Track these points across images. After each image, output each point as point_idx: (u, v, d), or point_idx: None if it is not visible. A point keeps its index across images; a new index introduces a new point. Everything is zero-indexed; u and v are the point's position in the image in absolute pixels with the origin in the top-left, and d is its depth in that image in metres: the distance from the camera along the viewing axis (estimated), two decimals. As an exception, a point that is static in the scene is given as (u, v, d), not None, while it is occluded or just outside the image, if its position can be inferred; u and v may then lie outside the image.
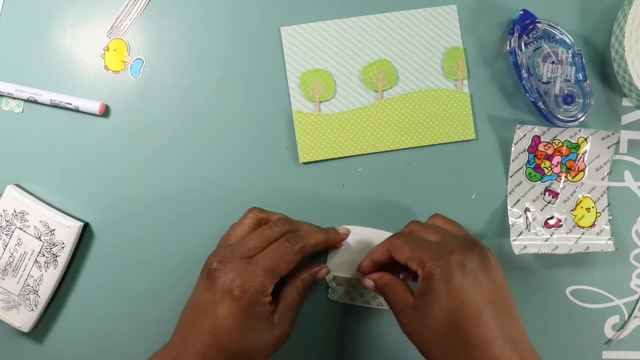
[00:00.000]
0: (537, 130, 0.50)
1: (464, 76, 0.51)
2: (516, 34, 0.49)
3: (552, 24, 0.49)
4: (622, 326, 0.53)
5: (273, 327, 0.43)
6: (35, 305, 0.50)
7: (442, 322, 0.39)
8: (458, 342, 0.39)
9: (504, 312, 0.39)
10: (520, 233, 0.51)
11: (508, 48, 0.49)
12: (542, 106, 0.49)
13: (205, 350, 0.41)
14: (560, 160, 0.51)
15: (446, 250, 0.41)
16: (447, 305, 0.39)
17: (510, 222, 0.51)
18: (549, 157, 0.51)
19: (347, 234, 0.50)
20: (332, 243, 0.49)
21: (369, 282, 0.47)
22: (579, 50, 0.49)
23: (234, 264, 0.42)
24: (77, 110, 0.50)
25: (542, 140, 0.51)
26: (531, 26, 0.49)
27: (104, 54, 0.50)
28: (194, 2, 0.50)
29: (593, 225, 0.52)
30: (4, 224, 0.49)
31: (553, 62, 0.49)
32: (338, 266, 0.50)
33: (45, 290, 0.49)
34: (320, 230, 0.49)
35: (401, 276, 0.47)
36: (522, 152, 0.51)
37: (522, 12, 0.49)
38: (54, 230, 0.49)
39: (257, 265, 0.42)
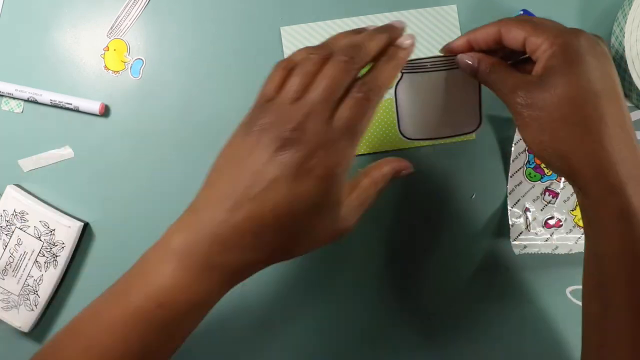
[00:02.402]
0: (537, 130, 0.50)
1: (464, 76, 0.51)
2: (516, 34, 0.49)
3: (552, 24, 0.49)
4: (622, 326, 0.53)
5: (337, 220, 0.36)
6: (35, 305, 0.50)
7: (563, 106, 0.35)
8: (582, 122, 0.35)
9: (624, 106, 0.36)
10: (520, 233, 0.51)
11: (508, 48, 0.49)
12: (542, 106, 0.49)
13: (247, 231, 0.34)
14: (560, 160, 0.51)
15: (574, 33, 0.36)
16: (571, 92, 0.35)
17: (510, 222, 0.51)
18: (549, 157, 0.51)
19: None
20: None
21: (467, 59, 0.40)
22: (579, 50, 0.49)
23: (311, 132, 0.33)
24: (77, 110, 0.50)
25: (542, 140, 0.51)
26: (531, 26, 0.49)
27: (104, 54, 0.50)
28: (194, 2, 0.50)
29: (593, 225, 0.52)
30: (4, 224, 0.49)
31: (553, 62, 0.49)
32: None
33: (45, 290, 0.49)
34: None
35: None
36: (522, 152, 0.51)
37: (522, 12, 0.49)
38: (54, 230, 0.49)
39: (339, 131, 0.34)
